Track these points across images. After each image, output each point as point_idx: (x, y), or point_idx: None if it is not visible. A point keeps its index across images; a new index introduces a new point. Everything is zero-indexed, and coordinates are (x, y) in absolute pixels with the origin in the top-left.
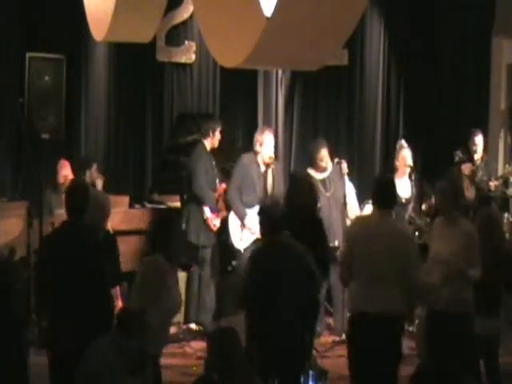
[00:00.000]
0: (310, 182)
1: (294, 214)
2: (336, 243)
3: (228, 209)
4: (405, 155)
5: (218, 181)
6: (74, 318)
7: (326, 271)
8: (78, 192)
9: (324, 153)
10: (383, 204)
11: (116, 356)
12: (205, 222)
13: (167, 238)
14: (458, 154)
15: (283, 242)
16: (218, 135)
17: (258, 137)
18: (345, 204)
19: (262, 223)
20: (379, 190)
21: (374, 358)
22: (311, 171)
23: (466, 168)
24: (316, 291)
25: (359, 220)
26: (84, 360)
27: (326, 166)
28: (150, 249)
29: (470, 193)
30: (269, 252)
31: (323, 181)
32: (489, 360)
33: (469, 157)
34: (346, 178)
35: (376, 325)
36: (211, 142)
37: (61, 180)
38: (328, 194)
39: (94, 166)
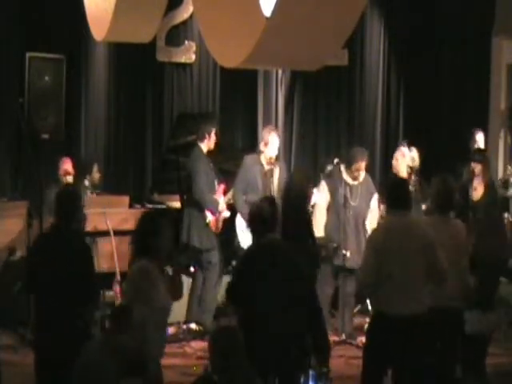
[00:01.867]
0: (303, 180)
1: (288, 211)
2: (348, 254)
3: (230, 209)
4: (400, 154)
5: (216, 182)
6: (58, 321)
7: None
8: (67, 198)
9: (362, 166)
10: (402, 206)
11: (109, 356)
12: (207, 225)
13: (158, 237)
14: (472, 152)
15: (273, 242)
16: (213, 137)
17: (263, 136)
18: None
19: (251, 222)
20: (395, 192)
21: (414, 358)
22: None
23: (476, 166)
24: (307, 290)
25: (377, 231)
26: (78, 361)
27: (358, 177)
28: (138, 249)
29: (477, 192)
30: (259, 254)
31: (350, 187)
32: (478, 357)
33: (482, 156)
34: (375, 193)
35: (413, 326)
36: (207, 144)
37: (61, 173)
38: (353, 204)
39: (95, 168)
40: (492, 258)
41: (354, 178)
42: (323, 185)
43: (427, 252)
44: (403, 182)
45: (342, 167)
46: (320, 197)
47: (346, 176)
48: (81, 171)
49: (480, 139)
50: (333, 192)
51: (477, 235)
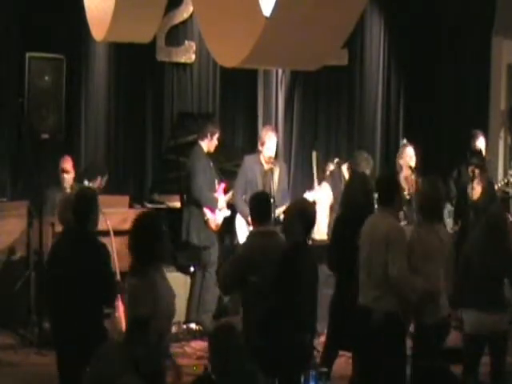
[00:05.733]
0: (365, 182)
1: (348, 214)
2: None
3: (230, 208)
4: (409, 154)
5: (216, 181)
6: (74, 321)
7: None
8: (83, 198)
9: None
10: (382, 201)
11: (125, 367)
12: (205, 223)
13: (154, 241)
14: (471, 157)
15: (268, 231)
16: (215, 140)
17: (260, 136)
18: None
19: (250, 211)
20: (380, 188)
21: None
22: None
23: (474, 169)
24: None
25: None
26: (91, 369)
27: None
28: (135, 254)
29: (475, 193)
30: (253, 242)
31: None
32: (496, 358)
33: (480, 159)
34: None
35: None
36: (208, 144)
37: (60, 171)
38: None
39: (98, 180)
40: (494, 258)
41: None
42: (325, 184)
43: (386, 251)
44: (392, 179)
45: (343, 167)
46: (322, 195)
47: (347, 175)
48: (81, 174)
49: (481, 143)
50: (335, 191)
51: (476, 236)
